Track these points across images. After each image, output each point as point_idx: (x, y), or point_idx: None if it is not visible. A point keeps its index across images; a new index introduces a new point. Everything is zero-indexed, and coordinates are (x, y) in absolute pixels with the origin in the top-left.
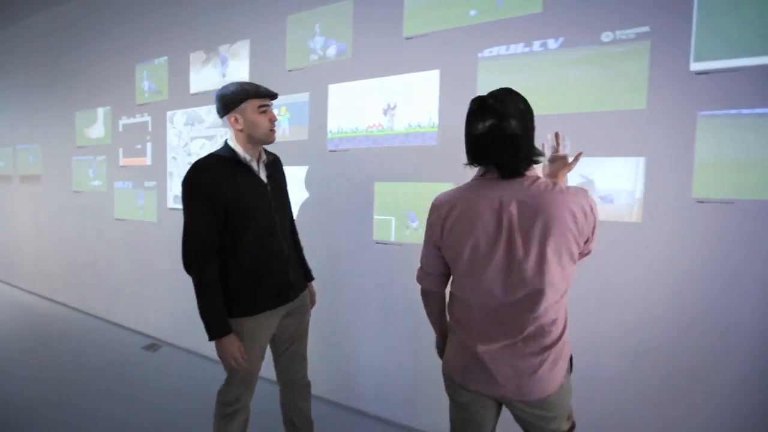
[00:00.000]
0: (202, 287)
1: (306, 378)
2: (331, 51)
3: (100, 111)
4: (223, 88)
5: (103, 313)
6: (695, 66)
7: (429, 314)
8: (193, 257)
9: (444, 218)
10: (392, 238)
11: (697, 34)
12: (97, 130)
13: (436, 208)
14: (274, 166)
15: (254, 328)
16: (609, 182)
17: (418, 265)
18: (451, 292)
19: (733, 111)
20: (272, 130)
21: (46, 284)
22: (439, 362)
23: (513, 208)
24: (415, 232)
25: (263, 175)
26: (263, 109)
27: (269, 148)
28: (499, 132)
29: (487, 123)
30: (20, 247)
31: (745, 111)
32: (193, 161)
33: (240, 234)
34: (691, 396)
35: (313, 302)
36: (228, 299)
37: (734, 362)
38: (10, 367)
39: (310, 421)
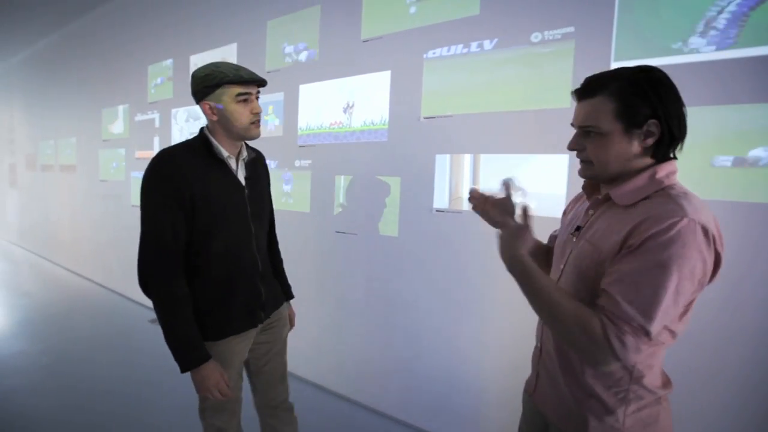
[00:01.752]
0: (170, 304)
1: (288, 401)
2: (302, 56)
3: (120, 108)
4: (199, 68)
5: (120, 289)
6: (615, 65)
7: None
8: (155, 269)
9: (721, 243)
10: (350, 228)
11: (617, 34)
12: (117, 126)
13: (707, 233)
14: (256, 165)
15: (222, 353)
16: (536, 179)
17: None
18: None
19: None
20: (254, 124)
21: (77, 262)
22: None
23: None
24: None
25: (241, 176)
26: (243, 98)
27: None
28: None
29: None
30: (59, 229)
31: None
32: None
33: (207, 242)
34: (693, 397)
35: (292, 324)
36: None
37: (738, 363)
38: (40, 330)
39: None
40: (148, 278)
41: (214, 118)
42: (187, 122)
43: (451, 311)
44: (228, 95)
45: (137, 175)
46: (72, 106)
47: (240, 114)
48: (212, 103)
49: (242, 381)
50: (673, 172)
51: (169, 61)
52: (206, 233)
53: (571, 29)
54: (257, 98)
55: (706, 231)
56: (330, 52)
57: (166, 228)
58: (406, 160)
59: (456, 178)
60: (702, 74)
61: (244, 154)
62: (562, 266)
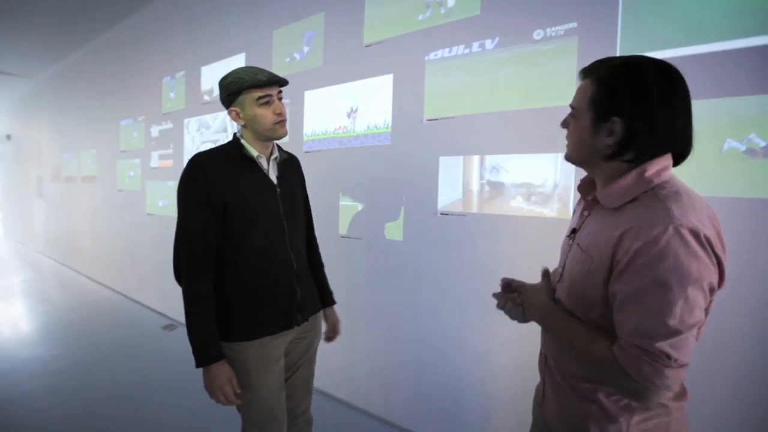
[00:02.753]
0: (191, 302)
1: (309, 413)
2: (304, 63)
3: (137, 119)
4: (224, 76)
5: (135, 296)
6: None
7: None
8: (184, 265)
9: (721, 245)
10: (357, 233)
11: (622, 29)
12: (135, 137)
13: (699, 237)
14: (289, 166)
15: (256, 354)
16: (542, 178)
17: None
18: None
19: None
20: (278, 124)
21: (97, 270)
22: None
23: None
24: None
25: (273, 175)
26: (265, 100)
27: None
28: None
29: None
30: (81, 238)
31: None
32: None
33: (239, 241)
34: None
35: (336, 332)
36: (224, 319)
37: (734, 362)
38: (57, 336)
39: None
40: (179, 273)
41: (242, 122)
42: (198, 131)
43: (458, 316)
44: (249, 99)
45: (152, 184)
46: (93, 118)
47: (263, 116)
48: (237, 110)
49: (284, 400)
50: (665, 169)
51: (181, 73)
52: (240, 233)
53: (573, 25)
54: (280, 99)
55: (696, 235)
56: (333, 58)
57: (196, 231)
58: (410, 163)
59: (467, 177)
60: (713, 65)
61: (275, 153)
62: (561, 269)
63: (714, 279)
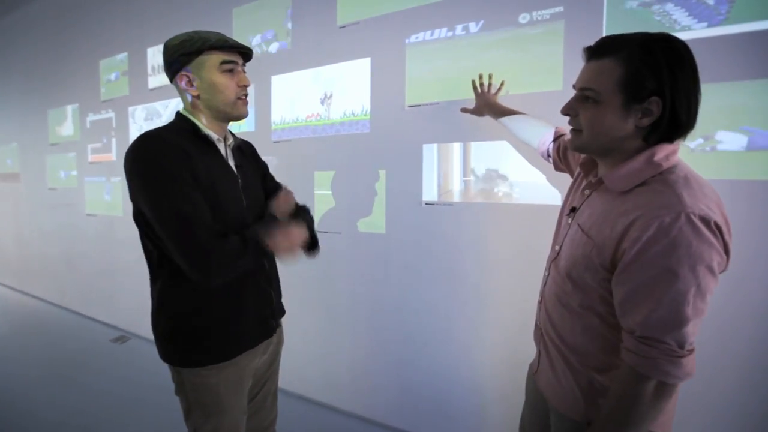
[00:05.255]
0: (238, 258)
1: (274, 425)
2: (273, 47)
3: (69, 108)
4: (174, 36)
5: (76, 307)
6: None
7: (659, 413)
8: (205, 247)
9: (728, 229)
10: (332, 227)
11: (608, 13)
12: (66, 128)
13: (710, 224)
14: (245, 153)
15: (234, 374)
16: (529, 165)
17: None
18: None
19: None
20: (241, 100)
21: (25, 280)
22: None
23: None
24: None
25: (232, 163)
26: (229, 67)
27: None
28: None
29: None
30: (2, 245)
31: None
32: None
33: None
34: (694, 398)
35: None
36: (192, 341)
37: (737, 363)
38: None
39: None
40: (206, 262)
41: (195, 92)
42: (146, 121)
43: (445, 309)
44: (211, 63)
45: (91, 181)
46: (12, 108)
47: (225, 86)
48: (191, 75)
49: (245, 421)
50: (674, 152)
51: (123, 55)
52: None
53: (560, 9)
54: (243, 72)
55: (707, 222)
56: (303, 40)
57: (192, 208)
58: (391, 152)
59: (452, 166)
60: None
61: (230, 139)
62: (558, 248)
63: (723, 265)
